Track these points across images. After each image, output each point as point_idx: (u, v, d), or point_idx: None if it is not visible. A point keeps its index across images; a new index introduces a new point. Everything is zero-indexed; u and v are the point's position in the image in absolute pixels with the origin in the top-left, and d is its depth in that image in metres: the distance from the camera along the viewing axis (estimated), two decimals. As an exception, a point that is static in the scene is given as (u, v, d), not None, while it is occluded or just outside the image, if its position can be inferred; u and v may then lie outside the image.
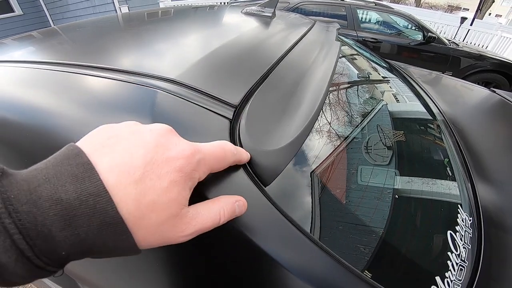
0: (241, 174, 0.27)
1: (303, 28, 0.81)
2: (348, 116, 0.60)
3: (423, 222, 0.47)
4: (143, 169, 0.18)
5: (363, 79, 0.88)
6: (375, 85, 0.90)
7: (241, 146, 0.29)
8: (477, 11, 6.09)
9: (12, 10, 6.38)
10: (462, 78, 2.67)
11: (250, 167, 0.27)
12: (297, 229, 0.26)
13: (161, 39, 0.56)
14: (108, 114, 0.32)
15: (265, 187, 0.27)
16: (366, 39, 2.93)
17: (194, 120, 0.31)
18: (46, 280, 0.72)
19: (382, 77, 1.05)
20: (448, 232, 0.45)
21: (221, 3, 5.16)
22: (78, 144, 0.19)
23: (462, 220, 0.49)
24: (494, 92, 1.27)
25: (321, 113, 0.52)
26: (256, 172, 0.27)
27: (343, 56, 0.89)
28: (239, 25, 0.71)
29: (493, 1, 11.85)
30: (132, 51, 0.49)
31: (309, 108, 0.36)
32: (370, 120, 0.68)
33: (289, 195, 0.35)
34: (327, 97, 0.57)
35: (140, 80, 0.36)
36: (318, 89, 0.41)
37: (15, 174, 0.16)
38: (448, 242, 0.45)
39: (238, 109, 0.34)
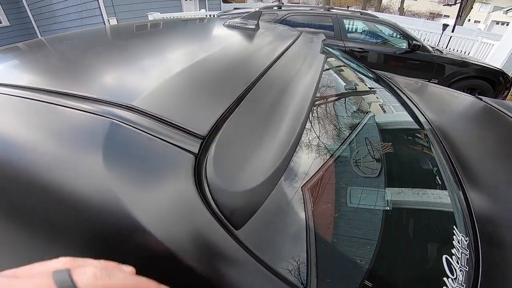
0: (206, 217, 0.23)
1: (287, 42, 0.79)
2: (336, 131, 0.58)
3: (417, 246, 0.45)
4: None
5: (350, 91, 0.87)
6: (362, 97, 0.89)
7: (208, 186, 0.24)
8: (457, 17, 6.34)
9: (-2, 22, 6.29)
10: (448, 85, 2.73)
11: (219, 208, 0.24)
12: (282, 281, 0.23)
13: (117, 56, 0.49)
14: (45, 152, 0.28)
15: (237, 230, 0.24)
16: (353, 49, 2.98)
17: (150, 157, 0.26)
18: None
19: (369, 88, 1.05)
20: (444, 256, 0.43)
21: (211, 15, 5.19)
22: None
23: (458, 242, 0.47)
24: (481, 99, 1.29)
25: (306, 131, 0.48)
26: (226, 214, 0.23)
27: (328, 69, 0.88)
28: (216, 40, 0.67)
29: (472, 8, 12.41)
30: (84, 71, 0.43)
31: (288, 133, 0.32)
32: (358, 133, 0.66)
33: (271, 230, 0.32)
34: (312, 114, 0.54)
35: (85, 107, 0.31)
36: (298, 110, 0.37)
37: None
38: (444, 267, 0.43)
39: (206, 140, 0.28)
